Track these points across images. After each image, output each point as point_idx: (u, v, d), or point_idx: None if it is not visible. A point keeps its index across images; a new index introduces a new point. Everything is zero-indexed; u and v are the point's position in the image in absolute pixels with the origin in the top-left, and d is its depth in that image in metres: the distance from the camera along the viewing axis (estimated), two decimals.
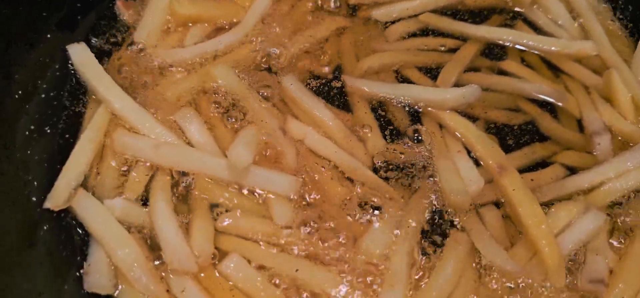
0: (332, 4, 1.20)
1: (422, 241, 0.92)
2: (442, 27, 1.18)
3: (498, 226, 0.94)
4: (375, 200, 0.96)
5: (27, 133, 0.96)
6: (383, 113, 1.06)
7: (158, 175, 0.96)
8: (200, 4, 1.15)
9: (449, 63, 1.12)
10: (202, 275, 0.89)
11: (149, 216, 0.92)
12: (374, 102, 1.07)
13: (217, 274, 0.89)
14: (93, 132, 0.98)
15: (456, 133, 1.02)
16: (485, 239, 0.92)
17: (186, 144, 0.98)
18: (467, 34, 1.17)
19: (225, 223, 0.93)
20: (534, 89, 1.10)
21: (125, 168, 0.97)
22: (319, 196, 0.95)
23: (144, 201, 0.95)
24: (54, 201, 0.91)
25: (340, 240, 0.92)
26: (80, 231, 0.92)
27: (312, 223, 0.93)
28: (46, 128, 0.99)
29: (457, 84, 1.09)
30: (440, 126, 1.05)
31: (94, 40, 1.11)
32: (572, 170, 1.01)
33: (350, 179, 0.98)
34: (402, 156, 1.01)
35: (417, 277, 0.89)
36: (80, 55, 1.05)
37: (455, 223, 0.94)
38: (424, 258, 0.91)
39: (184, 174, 0.96)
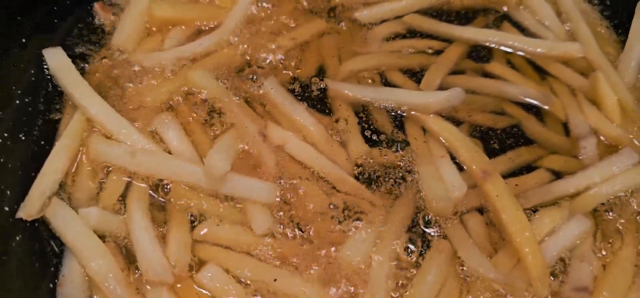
0: (318, 10, 1.18)
1: (404, 249, 0.91)
2: (426, 28, 1.17)
3: (481, 233, 0.92)
4: (357, 207, 0.94)
5: (0, 140, 0.94)
6: (366, 117, 1.04)
7: (135, 183, 0.94)
8: (179, 6, 1.13)
9: (433, 66, 1.10)
10: (179, 285, 0.86)
11: (125, 225, 0.90)
12: (356, 106, 1.06)
13: (195, 285, 0.87)
14: (69, 139, 0.96)
15: (440, 138, 1.01)
16: (468, 246, 0.90)
17: (164, 151, 0.96)
18: (453, 35, 1.15)
19: (203, 232, 0.91)
20: (519, 92, 1.08)
21: (102, 176, 0.95)
22: (299, 203, 0.94)
23: (121, 209, 0.92)
24: (28, 210, 0.89)
25: (321, 247, 0.90)
26: (55, 242, 0.89)
27: (291, 231, 0.91)
28: (20, 135, 0.97)
29: (441, 87, 1.07)
30: (424, 131, 1.03)
31: (71, 44, 1.09)
32: (557, 175, 0.99)
33: (332, 186, 0.96)
34: (385, 161, 0.99)
35: (398, 286, 0.87)
36: (56, 60, 1.02)
37: (438, 230, 0.92)
38: (406, 266, 0.89)
39: (162, 181, 0.94)
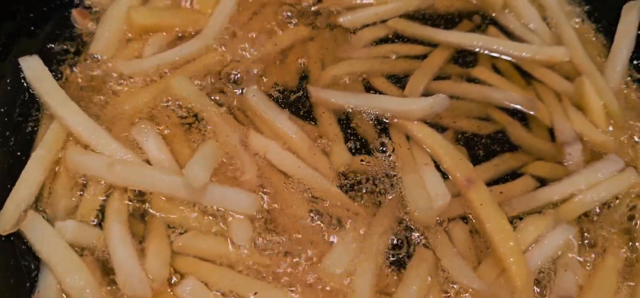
0: (301, 15, 1.16)
1: (388, 259, 0.89)
2: (411, 33, 1.15)
3: (466, 242, 0.91)
4: (339, 217, 0.92)
5: None
6: (349, 124, 1.03)
7: (113, 194, 0.92)
8: (159, 12, 1.11)
9: (418, 71, 1.09)
10: None
11: (103, 238, 0.89)
12: (339, 113, 1.04)
13: None
14: (45, 150, 0.94)
15: (423, 145, 0.99)
16: (451, 256, 0.89)
17: (143, 161, 0.95)
18: (437, 40, 1.14)
19: (183, 244, 0.89)
20: (504, 98, 1.07)
21: (79, 188, 0.93)
22: (281, 213, 0.92)
23: (100, 222, 0.91)
24: (2, 224, 0.87)
25: (303, 259, 0.88)
26: (30, 257, 0.88)
27: (273, 242, 0.90)
28: None
29: (426, 93, 1.06)
30: (408, 138, 1.01)
31: (48, 52, 1.06)
32: (542, 181, 0.98)
33: (314, 195, 0.94)
34: (368, 169, 0.98)
35: (381, 296, 0.86)
36: (33, 68, 1.01)
37: (422, 239, 0.91)
38: (389, 276, 0.88)
39: (141, 193, 0.92)
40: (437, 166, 0.97)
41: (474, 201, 0.91)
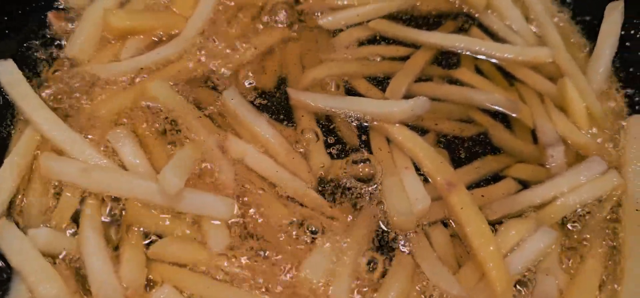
0: (281, 16, 1.14)
1: (366, 265, 0.88)
2: (393, 34, 1.14)
3: (446, 247, 0.90)
4: (318, 222, 0.91)
5: None
6: (329, 127, 1.02)
7: (88, 201, 0.91)
8: (137, 15, 1.10)
9: (399, 73, 1.08)
10: None
11: (77, 246, 0.87)
12: (319, 116, 1.03)
13: None
14: (19, 156, 0.93)
15: (404, 148, 0.98)
16: (431, 261, 0.88)
17: (118, 167, 0.93)
18: (420, 41, 1.13)
19: (158, 251, 0.88)
20: (486, 99, 1.06)
21: (53, 194, 0.92)
22: (259, 218, 0.91)
23: (74, 229, 0.89)
24: None
25: (281, 265, 0.87)
26: (2, 265, 0.86)
27: (250, 249, 0.88)
28: None
29: (407, 95, 1.05)
30: (389, 141, 1.00)
31: (23, 56, 1.05)
32: (524, 184, 0.97)
33: (292, 200, 0.93)
34: (348, 173, 0.96)
35: None
36: (7, 72, 0.99)
37: (401, 244, 0.90)
38: (368, 283, 0.87)
39: (116, 199, 0.91)
40: (418, 170, 0.96)
41: (455, 205, 0.90)
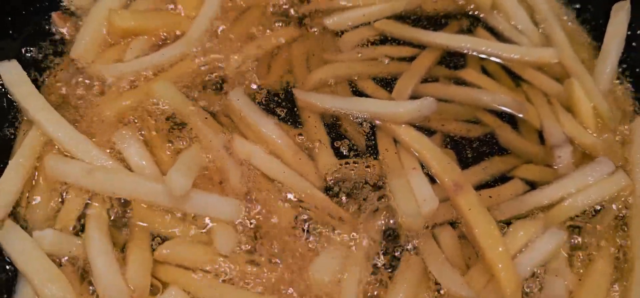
0: (286, 17, 1.14)
1: (375, 266, 0.88)
2: (398, 34, 1.14)
3: (454, 248, 0.90)
4: (326, 223, 0.90)
5: None
6: (336, 128, 1.01)
7: (94, 202, 0.90)
8: (141, 15, 1.09)
9: (405, 73, 1.07)
10: None
11: (83, 247, 0.86)
12: (326, 116, 1.02)
13: None
14: (24, 157, 0.92)
15: (411, 149, 0.98)
16: (439, 262, 0.87)
17: (124, 168, 0.92)
18: (425, 41, 1.12)
19: (165, 252, 0.87)
20: (493, 100, 1.05)
21: (59, 196, 0.91)
22: (266, 220, 0.90)
23: (80, 231, 0.88)
24: None
25: (288, 267, 0.86)
26: (8, 267, 0.85)
27: (257, 250, 0.88)
28: None
29: (414, 96, 1.04)
30: (395, 142, 1.00)
31: (27, 56, 1.04)
32: (532, 185, 0.97)
33: (300, 201, 0.92)
34: (355, 174, 0.96)
35: None
36: (11, 73, 0.98)
37: (409, 245, 0.89)
38: (376, 284, 0.86)
39: (122, 200, 0.90)
40: (425, 171, 0.96)
41: (463, 206, 0.90)
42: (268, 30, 1.12)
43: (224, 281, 0.85)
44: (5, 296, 0.84)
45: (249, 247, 0.88)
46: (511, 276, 0.84)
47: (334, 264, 0.86)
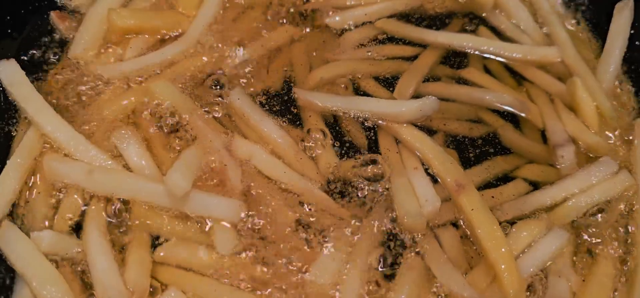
0: (287, 16, 1.13)
1: (376, 267, 0.87)
2: (400, 33, 1.13)
3: (456, 249, 0.89)
4: (327, 223, 0.90)
5: None
6: (337, 128, 1.00)
7: (93, 203, 0.89)
8: (141, 14, 1.08)
9: (407, 73, 1.06)
10: None
11: (82, 248, 0.86)
12: (327, 116, 1.02)
13: None
14: (22, 157, 0.91)
15: (413, 148, 0.97)
16: (441, 263, 0.87)
17: (123, 168, 0.92)
18: (427, 40, 1.11)
19: (164, 253, 0.86)
20: (495, 99, 1.05)
21: (57, 196, 0.90)
22: (266, 220, 0.90)
23: (78, 231, 0.88)
24: None
25: (289, 268, 0.86)
26: (5, 269, 0.84)
27: (258, 251, 0.87)
28: None
29: (416, 95, 1.04)
30: (397, 141, 0.99)
31: (25, 56, 1.04)
32: (534, 185, 0.96)
33: (301, 201, 0.92)
34: (356, 174, 0.95)
35: None
36: (9, 73, 0.97)
37: (411, 245, 0.89)
38: (378, 285, 0.85)
39: (122, 200, 0.89)
40: (427, 170, 0.95)
41: (465, 206, 0.89)
42: (268, 29, 1.11)
43: (223, 282, 0.84)
44: (2, 297, 0.83)
45: (249, 248, 0.87)
46: (514, 277, 0.83)
47: (335, 265, 0.85)
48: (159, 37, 1.08)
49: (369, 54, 1.10)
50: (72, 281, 0.83)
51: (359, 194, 0.93)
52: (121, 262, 0.85)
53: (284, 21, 1.13)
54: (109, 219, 0.89)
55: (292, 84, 1.06)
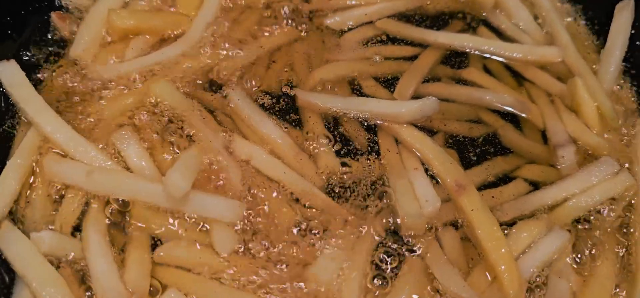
0: (287, 16, 1.13)
1: (376, 267, 0.87)
2: (400, 33, 1.13)
3: (456, 249, 0.89)
4: (327, 223, 0.89)
5: None
6: (337, 128, 1.00)
7: (92, 203, 0.89)
8: (141, 15, 1.08)
9: (407, 73, 1.06)
10: None
11: (81, 249, 0.86)
12: (327, 116, 1.01)
13: None
14: (22, 157, 0.91)
15: (413, 149, 0.97)
16: (441, 264, 0.86)
17: (123, 169, 0.92)
18: (427, 40, 1.11)
19: (164, 254, 0.86)
20: (496, 100, 1.05)
21: (57, 197, 0.90)
22: (266, 221, 0.89)
23: (78, 232, 0.87)
24: None
25: (289, 268, 0.86)
26: (5, 269, 0.84)
27: (257, 251, 0.87)
28: None
29: (416, 95, 1.04)
30: (397, 141, 0.99)
31: (25, 56, 1.04)
32: (535, 185, 0.96)
33: (301, 202, 0.91)
34: (356, 175, 0.95)
35: None
36: (9, 74, 0.98)
37: (411, 246, 0.88)
38: (378, 286, 0.85)
39: (121, 201, 0.89)
40: (427, 171, 0.95)
41: (465, 207, 0.89)
42: (268, 30, 1.11)
43: (222, 283, 0.84)
44: None
45: (249, 248, 0.87)
46: (514, 277, 0.83)
47: (335, 265, 0.85)
48: (159, 37, 1.07)
49: (369, 54, 1.10)
50: (71, 282, 0.83)
51: (359, 195, 0.93)
52: (121, 263, 0.85)
53: (284, 22, 1.13)
54: (109, 220, 0.89)
55: (292, 85, 1.06)
